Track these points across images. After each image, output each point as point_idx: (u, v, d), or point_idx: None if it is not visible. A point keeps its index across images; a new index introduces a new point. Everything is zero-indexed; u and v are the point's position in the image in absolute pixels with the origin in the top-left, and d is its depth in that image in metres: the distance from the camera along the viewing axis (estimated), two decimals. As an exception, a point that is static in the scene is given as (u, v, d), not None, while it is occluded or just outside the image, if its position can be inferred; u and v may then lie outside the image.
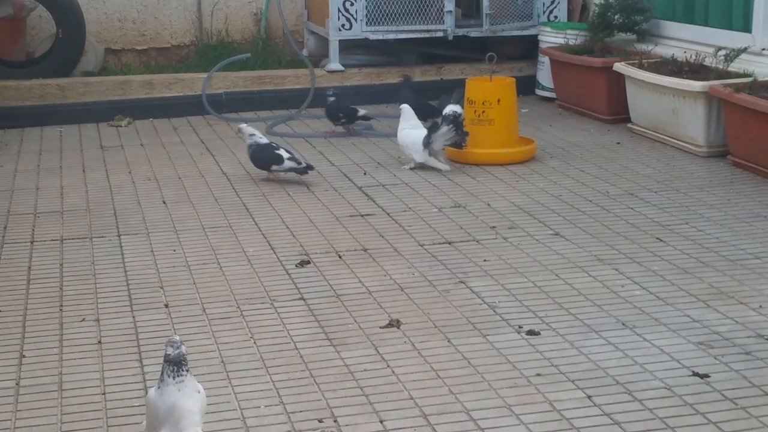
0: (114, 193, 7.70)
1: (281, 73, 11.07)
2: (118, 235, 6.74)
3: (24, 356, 4.94)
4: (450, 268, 5.98)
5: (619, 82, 9.26)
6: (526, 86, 10.60)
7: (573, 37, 10.37)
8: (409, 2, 10.74)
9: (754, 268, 5.85)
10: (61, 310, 5.51)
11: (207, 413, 4.04)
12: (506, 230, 6.64)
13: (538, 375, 4.61)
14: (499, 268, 5.96)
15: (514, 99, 8.48)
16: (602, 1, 10.27)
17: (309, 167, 7.83)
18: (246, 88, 10.80)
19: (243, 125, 8.13)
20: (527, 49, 11.25)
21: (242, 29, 12.03)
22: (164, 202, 7.45)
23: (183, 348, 3.85)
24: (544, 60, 10.62)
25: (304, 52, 11.61)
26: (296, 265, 6.10)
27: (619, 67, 9.17)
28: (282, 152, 7.83)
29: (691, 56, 8.69)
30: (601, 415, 4.24)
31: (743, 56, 8.35)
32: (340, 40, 10.86)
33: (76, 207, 7.39)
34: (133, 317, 5.39)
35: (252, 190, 7.69)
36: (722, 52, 8.40)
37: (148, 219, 7.07)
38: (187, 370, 3.85)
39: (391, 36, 10.82)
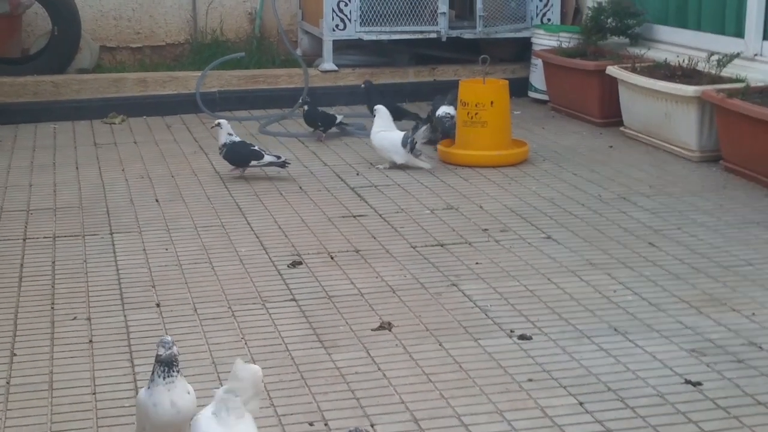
0: (107, 191, 7.69)
1: (275, 72, 11.07)
2: (111, 233, 6.73)
3: (15, 354, 4.94)
4: (442, 271, 5.98)
5: (611, 85, 9.27)
6: (519, 88, 10.61)
7: (566, 40, 10.37)
8: (403, 3, 10.75)
9: (747, 274, 5.85)
10: (52, 308, 5.50)
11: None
12: (498, 233, 6.65)
13: (530, 380, 4.61)
14: (491, 271, 5.96)
15: (506, 101, 8.48)
16: (595, 5, 10.28)
17: (287, 161, 7.96)
18: (240, 87, 10.80)
19: (224, 121, 8.11)
20: (520, 51, 11.26)
21: (237, 28, 12.02)
22: (157, 201, 7.45)
23: (175, 349, 3.84)
24: (537, 62, 10.63)
25: (298, 52, 11.61)
26: (288, 266, 6.10)
27: (612, 70, 9.18)
28: (257, 148, 8.00)
29: (683, 61, 8.70)
30: (593, 422, 4.24)
31: (736, 61, 8.37)
32: (333, 40, 10.86)
33: (69, 204, 7.38)
34: (125, 316, 5.38)
35: (245, 189, 7.69)
36: (715, 57, 8.41)
37: (140, 217, 7.06)
38: (178, 371, 3.85)
39: (385, 37, 10.82)
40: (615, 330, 5.13)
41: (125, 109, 10.35)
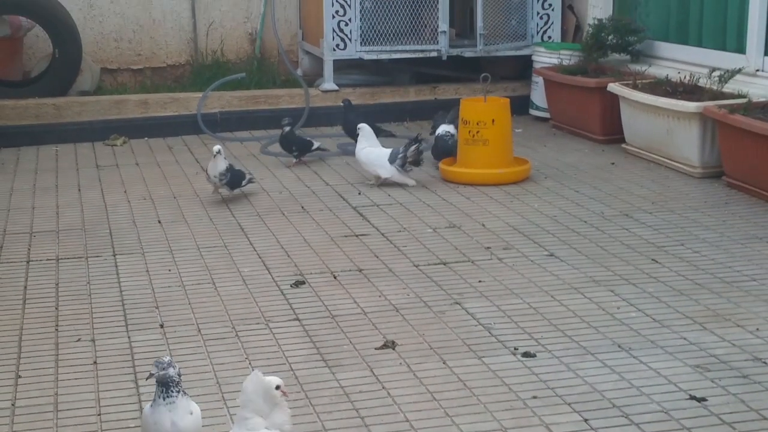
0: (109, 213, 7.70)
1: (276, 92, 11.08)
2: (114, 255, 6.74)
3: (20, 376, 4.94)
4: (445, 289, 5.98)
5: (613, 102, 9.28)
6: (521, 106, 10.64)
7: (567, 57, 10.39)
8: (404, 22, 10.78)
9: (751, 290, 5.85)
10: (56, 330, 5.50)
11: (203, 435, 4.04)
12: (501, 251, 6.65)
13: (534, 397, 4.60)
14: (495, 289, 5.96)
15: (508, 119, 8.49)
16: (596, 22, 10.29)
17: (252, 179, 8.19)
18: (241, 108, 10.80)
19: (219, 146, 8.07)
20: (521, 69, 11.28)
21: (237, 49, 12.04)
22: (159, 222, 7.45)
23: (171, 370, 3.82)
24: (538, 80, 10.65)
25: (299, 72, 11.64)
26: (291, 286, 6.10)
27: (614, 87, 9.19)
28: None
29: (685, 77, 8.71)
30: (598, 438, 4.24)
31: (738, 77, 8.38)
32: (334, 60, 10.87)
33: (71, 226, 7.39)
34: (129, 337, 5.38)
35: (247, 209, 7.70)
36: (716, 73, 8.42)
37: (143, 238, 7.06)
38: (179, 391, 3.84)
39: (386, 56, 10.84)
40: (619, 347, 5.12)
41: (127, 131, 10.37)
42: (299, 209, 7.69)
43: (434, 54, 10.84)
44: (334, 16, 10.67)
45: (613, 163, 8.86)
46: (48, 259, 6.68)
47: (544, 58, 10.62)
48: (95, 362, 5.07)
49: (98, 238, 7.09)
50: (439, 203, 7.78)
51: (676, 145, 8.45)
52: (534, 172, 8.52)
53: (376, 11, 10.74)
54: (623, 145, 9.23)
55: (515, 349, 5.12)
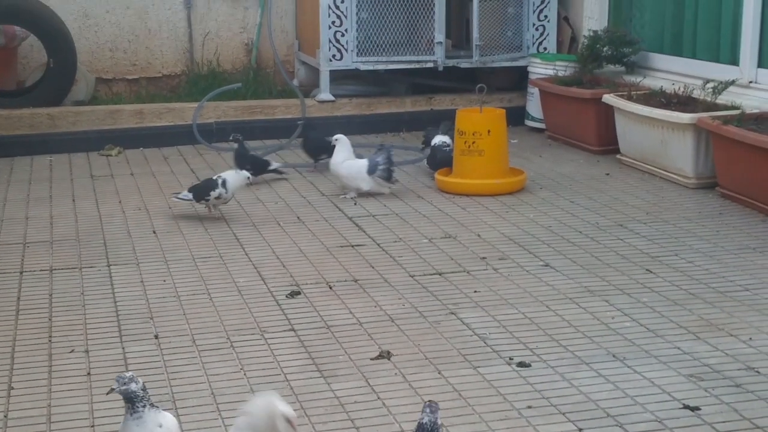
0: (104, 223, 7.69)
1: (272, 103, 11.09)
2: (108, 266, 6.73)
3: (13, 388, 4.93)
4: (440, 299, 5.98)
5: (608, 113, 9.29)
6: (516, 117, 10.65)
7: (562, 68, 10.41)
8: (400, 33, 10.79)
9: (744, 300, 5.86)
10: (50, 341, 5.49)
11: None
12: (496, 261, 6.65)
13: (529, 407, 4.60)
14: (490, 300, 5.96)
15: (504, 130, 8.49)
16: (591, 33, 10.31)
17: None
18: (237, 118, 10.81)
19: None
20: (517, 80, 11.29)
21: (233, 59, 12.05)
22: (154, 232, 7.45)
23: (132, 385, 3.79)
24: (534, 91, 10.66)
25: (295, 82, 11.65)
26: (286, 296, 6.10)
27: (608, 98, 9.20)
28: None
29: (679, 88, 8.72)
30: (592, 447, 4.25)
31: (731, 89, 8.40)
32: (330, 71, 10.89)
33: (65, 237, 7.38)
34: (123, 348, 5.37)
35: (242, 220, 7.69)
36: (710, 85, 8.44)
37: (138, 249, 7.06)
38: (144, 406, 3.82)
39: (382, 67, 10.85)
40: (613, 356, 5.13)
41: (122, 141, 10.36)
42: (295, 219, 7.69)
43: (430, 65, 10.86)
44: (330, 27, 10.68)
45: (608, 174, 8.87)
46: (42, 270, 6.68)
47: (539, 69, 10.64)
48: (89, 373, 5.06)
49: (92, 249, 7.08)
50: (435, 213, 7.78)
51: (671, 156, 8.46)
52: (529, 182, 8.53)
53: (373, 22, 10.76)
54: (618, 156, 9.24)
55: (510, 359, 5.12)
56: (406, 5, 10.74)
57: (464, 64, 10.95)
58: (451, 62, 10.91)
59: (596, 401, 4.64)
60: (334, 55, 10.75)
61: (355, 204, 8.06)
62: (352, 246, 7.04)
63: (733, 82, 8.45)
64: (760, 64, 8.70)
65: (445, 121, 9.34)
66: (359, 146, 8.53)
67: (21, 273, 6.63)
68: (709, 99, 8.41)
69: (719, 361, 5.05)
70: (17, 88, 11.16)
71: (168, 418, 3.89)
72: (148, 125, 10.65)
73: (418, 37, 10.84)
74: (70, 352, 5.34)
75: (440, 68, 10.89)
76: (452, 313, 5.76)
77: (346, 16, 10.67)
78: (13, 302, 6.10)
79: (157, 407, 3.87)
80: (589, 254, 6.74)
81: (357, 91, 11.27)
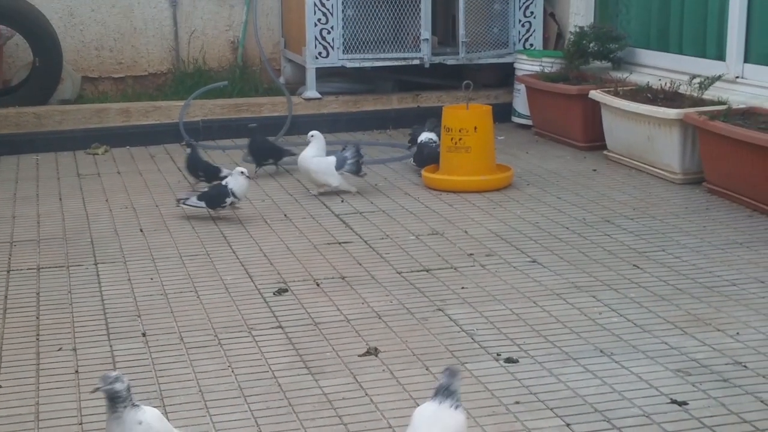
0: (91, 222, 7.68)
1: (258, 100, 11.08)
2: (95, 264, 6.72)
3: (0, 386, 4.92)
4: (428, 296, 5.98)
5: (594, 109, 9.30)
6: (503, 113, 10.65)
7: (549, 64, 10.43)
8: (386, 30, 10.79)
9: (731, 294, 5.87)
10: (37, 339, 5.48)
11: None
12: (484, 257, 6.65)
13: (517, 403, 4.61)
14: (477, 296, 5.97)
15: (490, 126, 8.49)
16: (577, 29, 10.32)
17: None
18: (223, 116, 10.80)
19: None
20: (503, 76, 11.30)
21: (219, 57, 12.04)
22: (141, 230, 7.44)
23: (118, 384, 3.81)
24: (520, 87, 10.67)
25: (281, 80, 11.64)
26: (274, 293, 6.09)
27: (595, 94, 9.21)
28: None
29: (666, 84, 8.74)
30: (580, 442, 4.25)
31: (717, 84, 8.41)
32: (317, 68, 10.88)
33: (52, 235, 7.36)
34: (111, 346, 5.37)
35: (229, 217, 7.68)
36: (697, 80, 8.45)
37: (125, 247, 7.05)
38: (125, 407, 3.82)
39: (368, 64, 10.85)
40: (601, 351, 5.13)
41: (108, 140, 10.34)
42: (282, 217, 7.69)
43: (417, 62, 10.86)
44: (316, 24, 10.68)
45: (594, 170, 8.88)
46: (29, 269, 6.66)
47: (526, 66, 10.65)
48: (77, 371, 5.06)
49: (79, 247, 7.07)
50: (422, 210, 7.78)
51: (657, 152, 8.48)
52: (516, 179, 8.54)
53: (359, 19, 10.76)
54: (605, 152, 9.26)
55: (498, 354, 5.13)
56: (392, 2, 10.75)
57: (450, 61, 10.95)
58: (437, 59, 10.91)
59: (584, 396, 4.65)
60: (320, 53, 10.74)
61: (342, 201, 8.05)
62: (339, 243, 7.03)
63: (719, 78, 8.46)
64: (746, 60, 8.72)
65: (430, 118, 9.34)
66: (329, 143, 8.50)
67: (8, 272, 6.61)
68: (695, 94, 8.42)
69: (706, 355, 5.06)
70: (3, 87, 11.11)
71: (148, 414, 3.89)
72: (134, 124, 10.63)
73: (404, 34, 10.84)
74: (58, 350, 5.33)
75: (426, 65, 10.89)
76: (439, 310, 5.76)
77: (331, 14, 10.67)
78: (0, 301, 6.09)
79: (138, 405, 3.87)
80: (576, 250, 6.75)
81: (343, 88, 11.26)
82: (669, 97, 8.60)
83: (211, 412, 4.59)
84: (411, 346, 5.26)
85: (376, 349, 5.23)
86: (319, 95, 10.92)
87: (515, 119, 10.90)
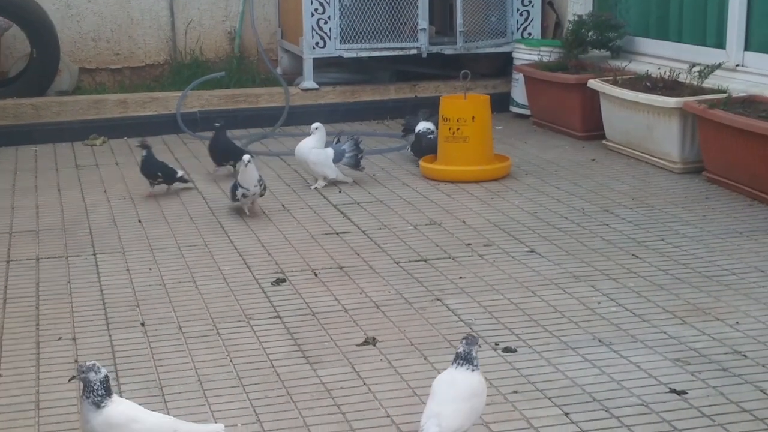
0: (89, 212, 7.67)
1: (255, 91, 11.06)
2: (94, 254, 6.72)
3: (0, 376, 4.92)
4: (426, 286, 5.98)
5: (593, 98, 9.29)
6: (501, 103, 10.63)
7: (547, 54, 10.40)
8: (383, 20, 10.77)
9: (730, 284, 5.87)
10: (37, 329, 5.48)
11: (184, 433, 4.03)
12: (482, 247, 6.65)
13: (515, 392, 4.61)
14: (475, 286, 5.96)
15: (488, 116, 8.48)
16: (576, 18, 10.31)
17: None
18: (220, 107, 10.78)
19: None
20: (501, 66, 11.28)
21: (216, 48, 12.03)
22: (140, 221, 7.43)
23: (91, 374, 3.87)
24: (519, 77, 10.65)
25: (279, 71, 11.63)
26: (272, 284, 6.09)
27: (594, 83, 9.20)
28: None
29: (665, 72, 8.72)
30: None
31: (717, 72, 8.40)
32: (314, 59, 10.86)
33: (51, 226, 7.36)
34: (110, 336, 5.37)
35: (227, 208, 7.68)
36: (696, 69, 8.44)
37: (123, 238, 7.04)
38: (95, 398, 3.89)
39: (365, 54, 10.83)
40: (599, 341, 5.13)
41: (106, 131, 10.33)
42: (280, 207, 7.68)
43: (414, 51, 10.84)
44: (313, 14, 10.65)
45: (593, 160, 8.87)
46: (28, 259, 6.66)
47: (524, 55, 10.63)
48: (76, 361, 5.05)
49: (78, 238, 7.07)
50: (420, 200, 7.78)
51: (657, 141, 8.47)
52: (514, 168, 8.53)
53: (356, 9, 10.73)
54: (604, 141, 9.25)
55: (496, 344, 5.13)
56: (389, -8, 10.74)
57: (448, 50, 10.93)
58: (435, 49, 10.89)
59: (582, 386, 4.65)
60: (317, 43, 10.72)
61: (340, 192, 8.05)
62: (337, 233, 7.03)
63: (719, 66, 8.46)
64: (746, 47, 8.70)
65: (422, 108, 9.34)
66: (327, 134, 8.45)
67: (8, 262, 6.61)
68: (695, 83, 8.41)
69: (706, 345, 5.05)
70: (1, 79, 11.12)
71: (110, 412, 3.92)
72: (132, 115, 10.61)
73: (401, 23, 10.82)
74: (58, 339, 5.33)
75: (424, 55, 10.87)
76: (438, 300, 5.76)
77: (328, 4, 10.65)
78: (0, 291, 6.10)
79: (107, 403, 3.90)
80: (574, 240, 6.75)
81: (341, 78, 11.24)
82: (668, 86, 8.59)
83: (209, 401, 4.59)
84: (409, 336, 5.26)
85: (374, 338, 5.23)
86: (316, 86, 10.90)
87: (513, 109, 10.88)
